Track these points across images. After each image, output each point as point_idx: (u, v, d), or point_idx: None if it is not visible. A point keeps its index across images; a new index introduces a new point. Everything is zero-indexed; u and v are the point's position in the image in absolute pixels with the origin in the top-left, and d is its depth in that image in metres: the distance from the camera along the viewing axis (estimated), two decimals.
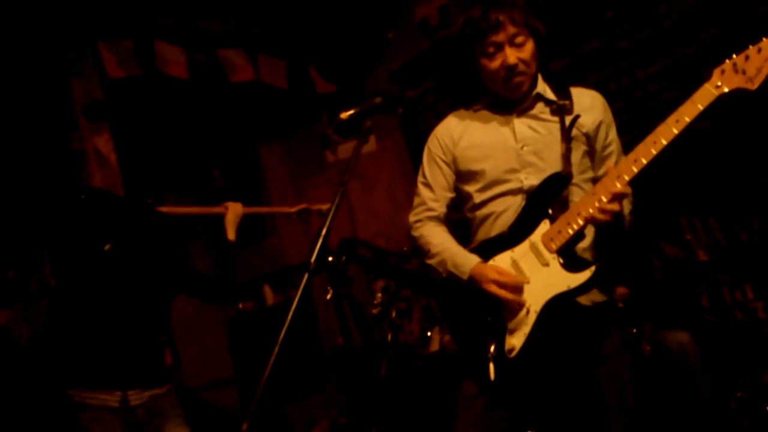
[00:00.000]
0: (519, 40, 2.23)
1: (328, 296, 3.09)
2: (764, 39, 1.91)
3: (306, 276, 1.93)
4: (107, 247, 2.89)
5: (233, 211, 3.37)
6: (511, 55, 2.22)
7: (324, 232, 1.99)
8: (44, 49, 4.23)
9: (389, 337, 3.92)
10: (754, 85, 1.92)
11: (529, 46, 2.25)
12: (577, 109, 2.27)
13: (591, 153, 2.31)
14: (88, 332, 2.80)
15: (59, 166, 4.24)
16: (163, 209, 3.17)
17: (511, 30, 2.21)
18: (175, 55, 4.58)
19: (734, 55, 1.96)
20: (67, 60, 4.34)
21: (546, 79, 2.37)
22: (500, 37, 2.21)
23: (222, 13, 4.87)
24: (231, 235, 3.32)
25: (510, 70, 2.23)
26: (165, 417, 2.88)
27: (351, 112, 2.16)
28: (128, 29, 4.43)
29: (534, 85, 2.33)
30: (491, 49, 2.23)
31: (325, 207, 3.24)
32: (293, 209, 3.68)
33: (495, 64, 2.24)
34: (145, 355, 2.90)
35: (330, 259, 2.82)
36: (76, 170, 4.27)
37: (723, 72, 1.96)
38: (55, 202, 3.28)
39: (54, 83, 4.31)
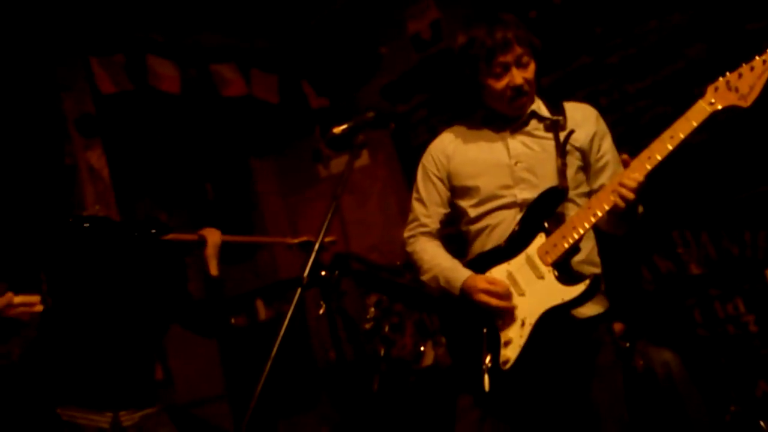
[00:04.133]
0: (524, 60, 2.25)
1: (321, 311, 3.09)
2: (756, 57, 1.94)
3: (299, 290, 1.93)
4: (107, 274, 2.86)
5: (212, 242, 3.00)
6: (518, 76, 2.24)
7: (317, 246, 2.00)
8: (36, 64, 4.22)
9: (382, 351, 3.91)
10: (747, 102, 1.95)
11: (532, 66, 2.27)
12: (570, 125, 2.29)
13: (585, 168, 2.32)
14: (82, 352, 2.78)
15: (52, 181, 4.22)
16: (169, 237, 2.97)
17: (518, 50, 2.22)
18: (167, 69, 4.59)
19: (727, 73, 1.99)
20: (59, 75, 4.33)
21: (539, 95, 2.39)
22: (508, 57, 2.22)
23: (214, 27, 4.88)
24: (214, 269, 2.98)
25: (517, 90, 2.25)
26: None
27: (344, 126, 2.18)
28: (120, 44, 4.43)
29: (531, 102, 2.34)
30: (498, 69, 2.24)
31: (329, 239, 2.88)
32: (294, 240, 3.38)
33: (501, 84, 2.25)
34: (138, 376, 2.87)
35: (323, 273, 2.83)
36: (69, 185, 4.25)
37: (716, 89, 1.99)
38: (56, 227, 3.12)
39: (45, 98, 4.29)
